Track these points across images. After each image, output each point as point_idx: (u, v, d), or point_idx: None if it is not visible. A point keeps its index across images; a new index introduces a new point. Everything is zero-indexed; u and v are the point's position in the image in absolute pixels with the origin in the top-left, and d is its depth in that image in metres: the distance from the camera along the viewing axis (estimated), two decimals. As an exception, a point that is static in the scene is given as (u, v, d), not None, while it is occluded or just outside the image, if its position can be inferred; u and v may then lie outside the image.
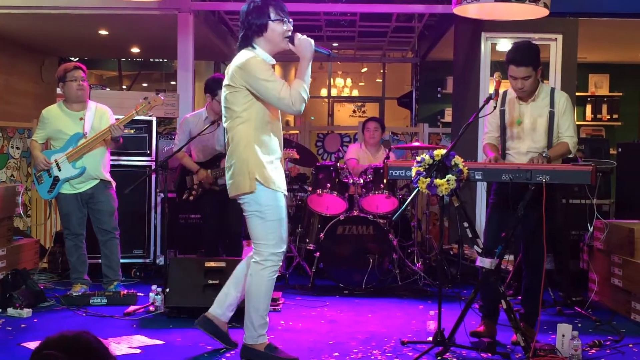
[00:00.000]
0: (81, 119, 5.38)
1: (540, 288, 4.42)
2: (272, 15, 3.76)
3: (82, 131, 5.35)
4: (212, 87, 5.55)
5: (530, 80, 4.30)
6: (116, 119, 5.49)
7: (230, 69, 3.81)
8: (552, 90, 4.45)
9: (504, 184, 4.18)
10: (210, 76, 5.82)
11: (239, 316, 4.48)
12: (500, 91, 4.33)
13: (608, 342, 4.33)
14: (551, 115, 4.36)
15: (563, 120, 4.37)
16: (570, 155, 4.55)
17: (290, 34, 3.80)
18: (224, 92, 3.86)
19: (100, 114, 5.47)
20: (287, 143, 6.24)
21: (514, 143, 4.45)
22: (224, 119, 3.91)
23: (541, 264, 4.38)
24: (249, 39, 3.81)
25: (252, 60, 3.73)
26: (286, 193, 3.95)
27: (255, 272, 3.86)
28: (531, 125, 4.38)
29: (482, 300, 4.46)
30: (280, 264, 3.91)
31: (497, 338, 4.33)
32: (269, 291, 3.89)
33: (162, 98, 5.43)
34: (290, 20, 3.84)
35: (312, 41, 3.80)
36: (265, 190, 3.78)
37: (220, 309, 4.09)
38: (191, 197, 5.70)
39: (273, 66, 3.90)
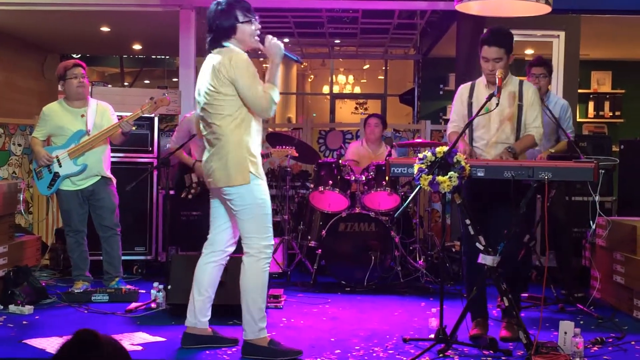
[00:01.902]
0: (83, 115, 5.39)
1: (520, 285, 4.46)
2: (240, 17, 3.80)
3: (85, 128, 5.35)
4: None
5: (501, 64, 4.29)
6: (118, 116, 5.50)
7: (217, 64, 3.76)
8: (521, 82, 4.45)
9: (474, 182, 4.17)
10: None
11: (238, 314, 4.47)
12: (469, 83, 4.39)
13: (610, 340, 4.31)
14: (519, 109, 4.35)
15: (530, 111, 4.36)
16: (537, 148, 4.54)
17: (259, 32, 3.87)
18: (208, 88, 3.82)
19: (101, 111, 5.47)
20: (288, 140, 6.24)
21: (481, 132, 4.41)
22: (207, 115, 3.87)
23: (515, 257, 4.38)
24: (219, 41, 3.84)
25: (240, 57, 3.76)
26: None
27: (249, 266, 3.89)
28: (499, 114, 4.35)
29: (474, 298, 4.41)
30: (270, 256, 3.95)
31: (491, 335, 4.31)
32: (265, 283, 3.93)
33: (169, 98, 5.42)
34: (257, 18, 3.88)
35: (282, 45, 3.85)
36: (259, 184, 3.85)
37: (193, 317, 4.08)
38: (190, 196, 5.69)
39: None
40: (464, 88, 4.54)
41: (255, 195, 3.83)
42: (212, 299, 4.10)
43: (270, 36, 3.85)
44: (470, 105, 4.42)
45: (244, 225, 3.89)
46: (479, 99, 4.39)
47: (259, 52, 3.99)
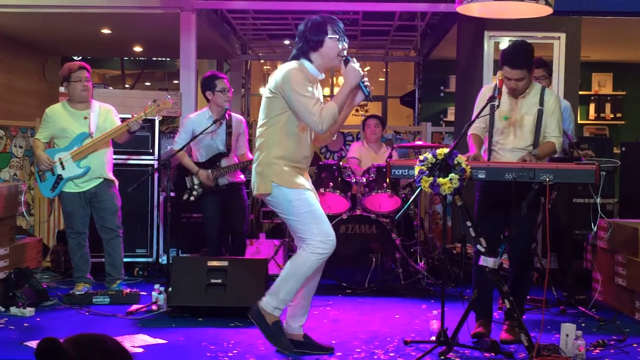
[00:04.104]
0: (86, 118, 5.39)
1: (527, 287, 4.47)
2: (330, 33, 3.89)
3: (88, 131, 5.36)
4: (209, 83, 5.59)
5: (523, 82, 4.30)
6: (120, 118, 5.51)
7: (273, 75, 3.93)
8: (543, 88, 4.45)
9: (488, 183, 4.19)
10: (204, 75, 5.81)
11: (240, 316, 4.47)
12: (493, 84, 4.35)
13: (612, 342, 4.31)
14: (539, 113, 4.36)
15: (550, 120, 4.37)
16: (556, 155, 4.54)
17: (345, 53, 3.91)
18: (264, 95, 3.97)
19: (104, 113, 5.48)
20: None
21: (499, 138, 4.43)
22: (259, 122, 4.01)
23: (526, 263, 4.39)
24: (304, 52, 3.93)
25: (293, 71, 3.84)
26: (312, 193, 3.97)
27: (303, 252, 3.89)
28: (517, 122, 4.38)
29: (478, 299, 4.42)
30: (329, 252, 3.90)
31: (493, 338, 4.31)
32: (306, 274, 3.90)
33: (172, 101, 5.41)
34: (347, 40, 3.96)
35: (362, 73, 3.90)
36: (285, 190, 3.85)
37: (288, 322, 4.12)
38: (192, 198, 5.69)
39: (320, 81, 4.04)
40: (487, 89, 4.50)
41: (283, 200, 3.87)
42: (305, 305, 4.10)
43: (354, 59, 3.90)
44: (493, 107, 4.39)
45: (292, 230, 3.99)
46: (500, 102, 4.39)
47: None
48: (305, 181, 3.96)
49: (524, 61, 4.26)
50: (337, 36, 3.90)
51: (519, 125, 4.37)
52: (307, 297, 4.10)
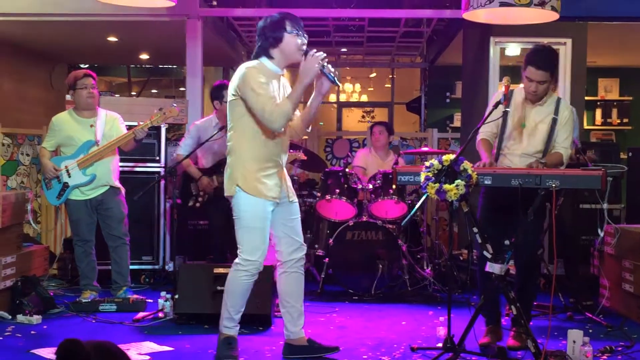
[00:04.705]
0: (92, 125, 5.41)
1: (533, 293, 4.46)
2: (288, 28, 3.88)
3: (94, 139, 5.37)
4: (218, 93, 5.63)
5: (545, 85, 4.28)
6: (127, 125, 5.52)
7: (233, 78, 3.94)
8: (559, 100, 4.44)
9: (492, 189, 4.18)
10: (214, 84, 5.85)
11: (246, 323, 4.46)
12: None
13: (619, 348, 4.29)
14: (553, 122, 4.35)
15: (562, 132, 4.36)
16: (562, 167, 4.53)
17: (305, 48, 3.90)
18: (228, 99, 3.98)
19: (110, 121, 5.49)
20: (295, 147, 6.24)
21: (509, 143, 4.42)
22: (227, 126, 4.04)
23: (533, 269, 4.38)
24: (265, 50, 3.93)
25: (248, 69, 3.84)
26: (279, 200, 3.97)
27: (233, 271, 3.97)
28: (531, 129, 4.37)
29: (485, 306, 4.40)
30: (254, 272, 3.94)
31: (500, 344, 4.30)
32: (240, 293, 3.97)
33: (178, 109, 5.42)
34: (306, 35, 3.95)
35: (320, 60, 3.78)
36: (246, 197, 3.88)
37: (285, 329, 4.16)
38: (197, 204, 5.70)
39: (281, 76, 4.02)
40: (499, 94, 4.47)
41: (240, 207, 3.91)
42: (297, 308, 4.14)
43: (313, 52, 3.82)
44: (506, 113, 4.38)
45: (236, 231, 3.99)
46: (514, 108, 4.39)
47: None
48: (271, 189, 3.91)
49: (549, 63, 4.26)
50: (296, 32, 3.89)
51: (532, 132, 4.36)
52: (296, 301, 4.13)
